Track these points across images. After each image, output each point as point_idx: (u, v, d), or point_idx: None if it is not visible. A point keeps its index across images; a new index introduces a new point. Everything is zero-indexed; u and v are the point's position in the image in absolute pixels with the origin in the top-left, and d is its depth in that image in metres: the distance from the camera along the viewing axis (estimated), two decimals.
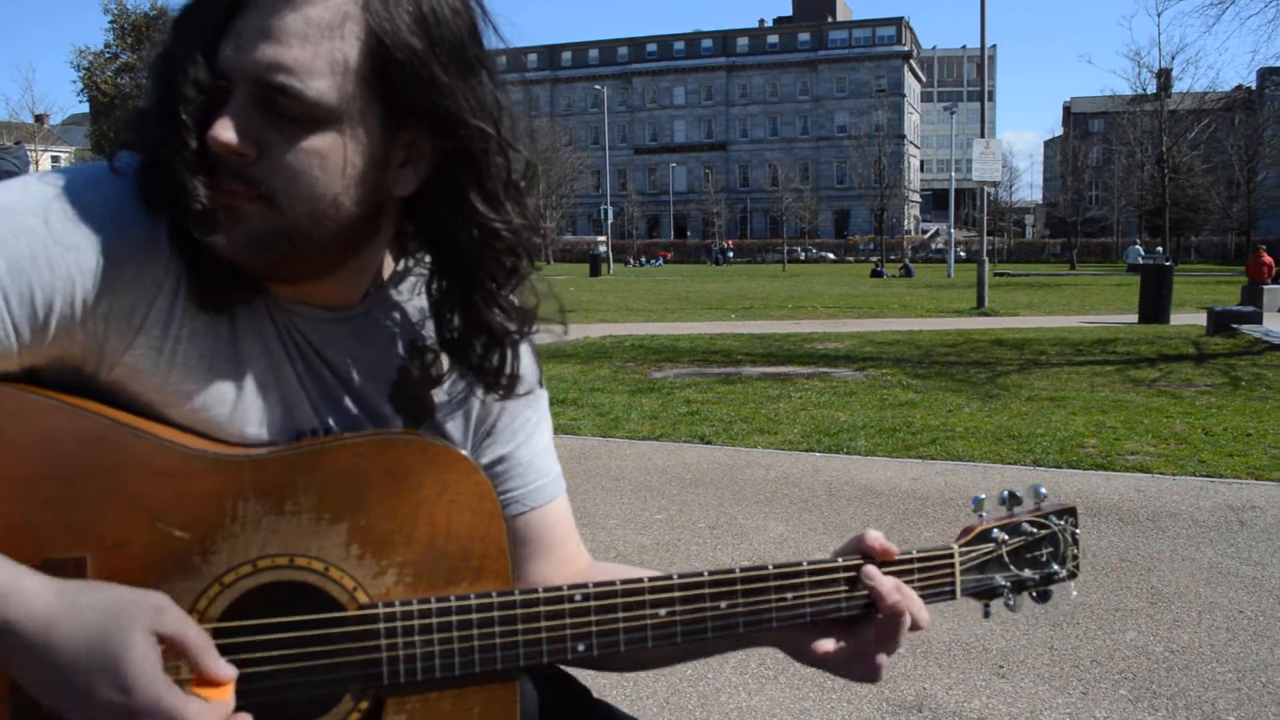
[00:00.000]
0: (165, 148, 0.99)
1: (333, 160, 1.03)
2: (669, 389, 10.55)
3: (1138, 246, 55.47)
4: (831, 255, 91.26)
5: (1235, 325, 15.91)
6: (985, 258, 24.77)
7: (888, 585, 1.19)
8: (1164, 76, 48.80)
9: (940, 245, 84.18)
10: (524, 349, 1.25)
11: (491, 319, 1.16)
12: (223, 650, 0.99)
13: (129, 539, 0.99)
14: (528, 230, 1.15)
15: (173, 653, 0.93)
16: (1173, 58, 48.23)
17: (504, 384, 1.21)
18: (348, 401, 1.19)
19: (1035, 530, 1.32)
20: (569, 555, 1.35)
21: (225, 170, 1.00)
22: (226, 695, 0.95)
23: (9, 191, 1.01)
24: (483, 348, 1.18)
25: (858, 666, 1.21)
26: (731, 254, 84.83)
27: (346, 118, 1.02)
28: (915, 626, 1.22)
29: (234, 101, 1.00)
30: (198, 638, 0.95)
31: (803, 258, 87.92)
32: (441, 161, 1.10)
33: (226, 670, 0.96)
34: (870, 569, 1.20)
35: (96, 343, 1.03)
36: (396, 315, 1.23)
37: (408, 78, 1.03)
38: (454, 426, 1.26)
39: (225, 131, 0.98)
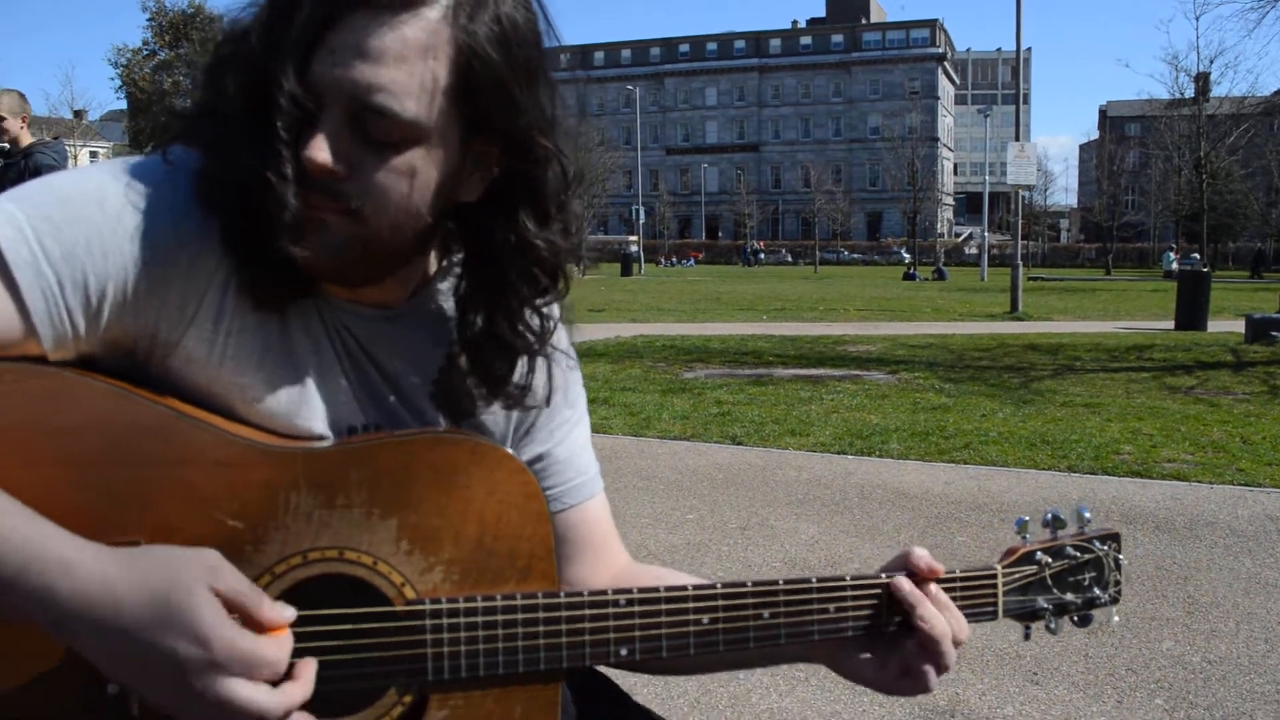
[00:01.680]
0: (244, 156, 0.99)
1: (420, 177, 1.04)
2: (700, 389, 10.54)
3: (1171, 253, 54.93)
4: (859, 256, 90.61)
5: (1274, 333, 15.68)
6: (1019, 262, 24.58)
7: (918, 596, 1.18)
8: (1202, 80, 48.28)
9: (973, 249, 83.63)
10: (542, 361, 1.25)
11: (511, 329, 1.17)
12: None
13: (183, 526, 1.00)
14: (567, 252, 1.16)
15: (229, 608, 0.94)
16: (1211, 61, 47.84)
17: (510, 394, 1.21)
18: (392, 398, 1.20)
19: (1079, 554, 1.31)
20: (608, 554, 1.36)
21: (312, 185, 1.01)
22: (285, 633, 0.96)
23: (66, 180, 1.03)
24: (496, 353, 1.18)
25: (905, 682, 1.20)
26: (763, 255, 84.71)
27: (434, 135, 1.03)
28: (955, 641, 1.22)
29: (327, 119, 1.00)
30: (250, 591, 0.96)
31: (838, 258, 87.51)
32: (502, 171, 1.11)
33: (285, 613, 0.97)
34: (900, 580, 1.19)
35: (148, 332, 1.04)
36: (440, 312, 1.23)
37: (490, 94, 1.04)
38: (495, 424, 1.27)
39: (321, 152, 0.99)
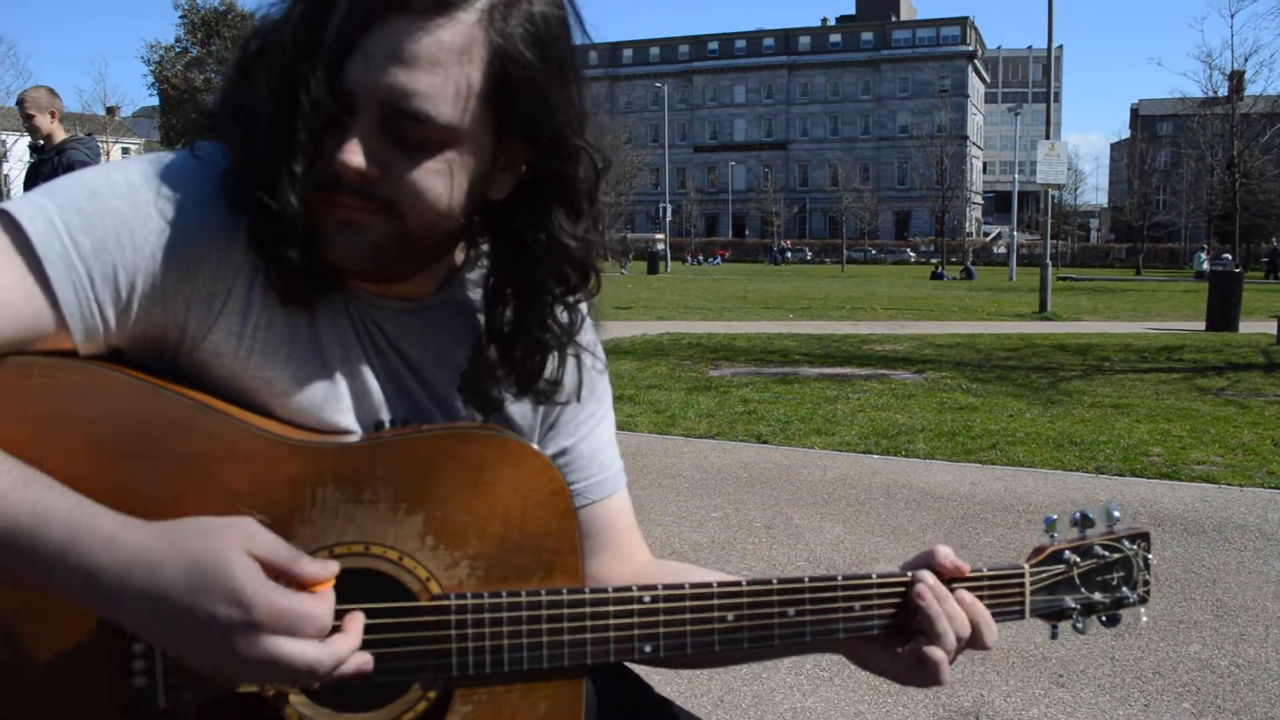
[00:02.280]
0: (272, 156, 1.00)
1: (453, 178, 1.05)
2: (726, 388, 10.53)
3: (1202, 253, 54.40)
4: (912, 255, 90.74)
5: None
6: (1048, 261, 24.42)
7: (935, 607, 1.18)
8: (1236, 79, 47.77)
9: (1002, 248, 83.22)
10: (571, 356, 1.25)
11: (540, 324, 1.18)
12: None
13: None
14: (598, 248, 1.17)
15: (268, 571, 0.94)
16: (1246, 60, 47.31)
17: (541, 389, 1.22)
18: (419, 392, 1.20)
19: (1107, 554, 1.30)
20: (629, 551, 1.36)
21: (347, 187, 1.01)
22: (328, 586, 0.97)
23: (96, 174, 1.04)
24: (526, 348, 1.19)
25: (918, 673, 1.19)
26: (790, 254, 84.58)
27: (467, 137, 1.04)
28: (981, 645, 1.21)
29: (361, 123, 1.00)
30: (286, 550, 0.96)
31: (865, 257, 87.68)
32: (532, 167, 1.12)
33: (323, 569, 0.97)
34: (921, 588, 1.18)
35: (178, 326, 1.05)
36: (467, 305, 1.24)
37: (524, 96, 1.05)
38: (522, 419, 1.27)
39: (355, 156, 1.00)
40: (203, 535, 0.94)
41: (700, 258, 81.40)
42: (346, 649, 0.96)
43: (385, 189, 1.03)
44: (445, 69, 0.99)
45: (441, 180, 1.04)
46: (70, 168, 5.62)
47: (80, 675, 0.99)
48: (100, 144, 7.43)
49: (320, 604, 0.95)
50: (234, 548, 0.93)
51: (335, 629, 0.96)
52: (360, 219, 1.03)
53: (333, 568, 0.97)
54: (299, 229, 1.02)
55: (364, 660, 0.99)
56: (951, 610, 1.18)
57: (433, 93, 0.99)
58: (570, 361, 1.24)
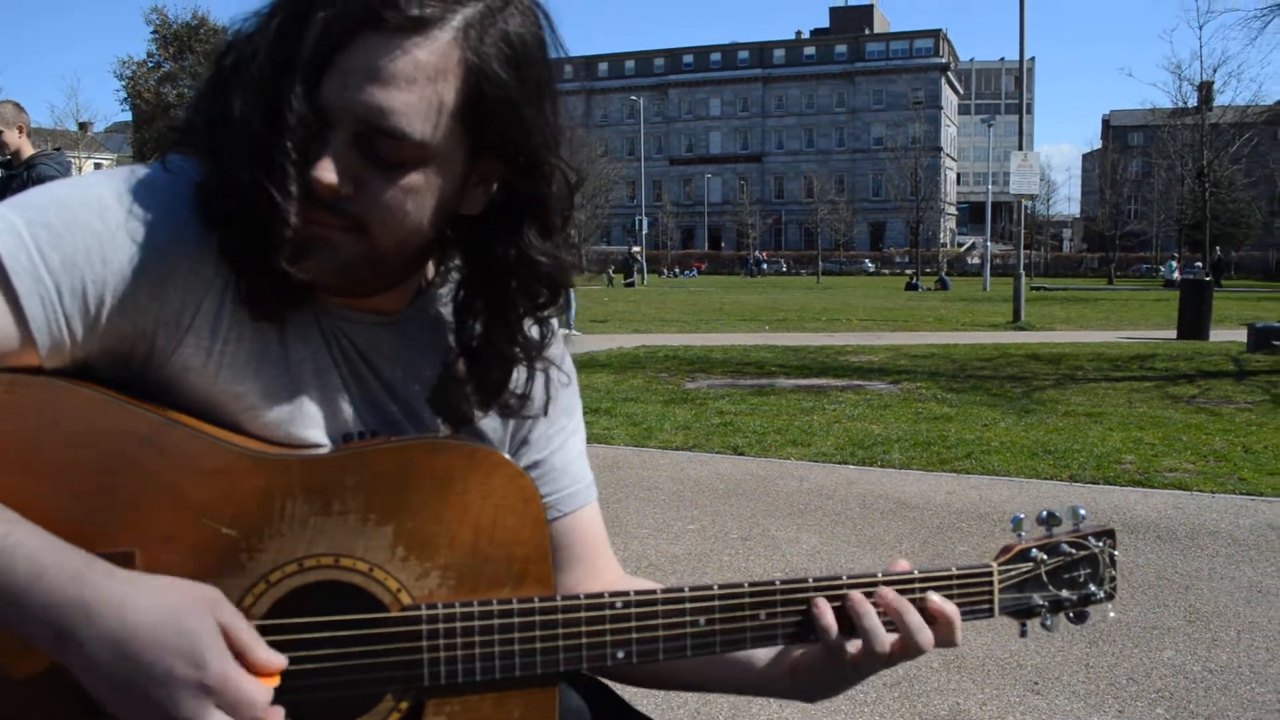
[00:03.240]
0: (246, 171, 1.00)
1: (425, 194, 1.06)
2: (702, 400, 10.54)
3: (1172, 262, 54.92)
4: (870, 265, 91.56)
5: (1277, 342, 15.67)
6: (1022, 271, 24.56)
7: (867, 615, 1.19)
8: (1205, 89, 48.24)
9: (976, 259, 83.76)
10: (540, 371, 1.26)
11: (509, 339, 1.18)
12: None
13: (177, 535, 1.01)
14: (567, 267, 1.17)
15: (226, 641, 0.95)
16: (1214, 70, 47.39)
17: (509, 403, 1.22)
18: (391, 405, 1.20)
19: (1074, 551, 1.32)
20: (600, 565, 1.36)
21: (318, 202, 1.02)
22: (274, 681, 0.97)
23: (66, 188, 1.04)
24: (494, 362, 1.19)
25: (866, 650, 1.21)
26: (766, 266, 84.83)
27: (440, 154, 1.05)
28: (950, 643, 1.22)
29: (335, 140, 1.01)
30: (248, 630, 0.97)
31: (840, 268, 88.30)
32: (505, 185, 1.13)
33: (276, 660, 0.97)
34: (856, 597, 1.19)
35: (146, 340, 1.05)
36: (438, 318, 1.24)
37: (498, 115, 1.06)
38: (493, 431, 1.27)
39: (329, 173, 1.00)
40: (176, 589, 0.94)
41: (676, 270, 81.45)
42: None
43: (357, 206, 1.03)
44: (420, 87, 1.00)
45: (413, 198, 1.05)
46: (39, 183, 5.56)
47: (46, 691, 0.98)
48: (73, 159, 7.39)
49: (263, 693, 0.95)
50: (206, 611, 0.94)
51: None
52: (331, 236, 1.04)
53: (281, 661, 0.97)
54: (303, 246, 1.02)
55: None
56: (914, 622, 1.21)
57: (407, 110, 0.99)
58: (539, 376, 1.25)
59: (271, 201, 0.99)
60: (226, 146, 1.02)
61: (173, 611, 0.92)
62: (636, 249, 58.53)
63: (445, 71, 1.01)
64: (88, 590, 0.91)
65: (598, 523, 1.38)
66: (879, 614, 1.19)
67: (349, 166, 1.01)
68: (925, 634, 1.20)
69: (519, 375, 1.22)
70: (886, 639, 1.19)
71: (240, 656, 0.95)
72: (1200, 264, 48.27)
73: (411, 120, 1.00)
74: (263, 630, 1.02)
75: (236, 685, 0.92)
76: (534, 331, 1.22)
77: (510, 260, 1.13)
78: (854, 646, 1.20)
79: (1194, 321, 18.86)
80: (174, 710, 0.90)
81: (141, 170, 1.07)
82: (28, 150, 6.21)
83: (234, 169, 1.01)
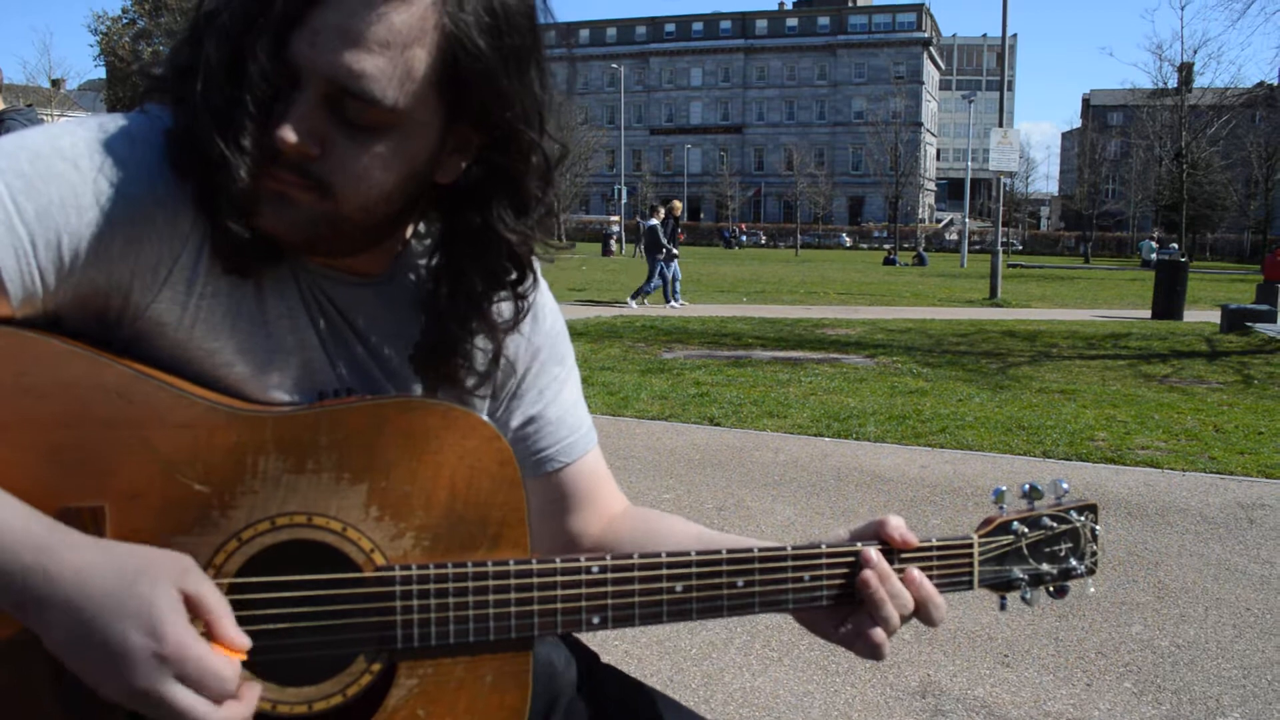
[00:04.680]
0: (212, 123, 0.97)
1: (395, 161, 1.03)
2: (679, 370, 10.54)
3: (1152, 242, 55.30)
4: (847, 240, 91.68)
5: (1249, 323, 15.82)
6: (1000, 248, 24.66)
7: (879, 593, 1.18)
8: (1185, 71, 48.43)
9: (954, 235, 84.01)
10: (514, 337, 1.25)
11: (465, 314, 1.16)
12: (238, 606, 0.99)
13: (148, 490, 0.98)
14: (539, 246, 1.16)
15: (193, 613, 0.93)
16: (1195, 52, 47.88)
17: (459, 376, 1.20)
18: (370, 364, 1.19)
19: (1055, 525, 1.31)
20: (605, 503, 1.38)
21: (284, 162, 0.99)
22: (240, 657, 0.95)
23: (40, 136, 1.01)
24: (445, 334, 1.17)
25: (861, 644, 1.19)
26: (745, 238, 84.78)
27: (413, 121, 1.02)
28: (930, 623, 1.22)
29: (303, 100, 0.98)
30: (219, 602, 0.95)
31: (818, 242, 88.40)
32: (481, 158, 1.10)
33: (242, 639, 0.95)
34: (867, 574, 1.18)
35: (121, 293, 1.03)
36: (416, 279, 1.22)
37: (475, 84, 1.03)
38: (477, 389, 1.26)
39: (290, 133, 0.97)
40: (139, 557, 0.92)
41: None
42: (238, 716, 0.94)
43: (322, 169, 1.01)
44: (394, 52, 0.97)
45: (381, 164, 1.02)
46: None
47: (20, 667, 0.96)
48: (45, 116, 7.28)
49: (229, 666, 0.93)
50: (166, 577, 0.92)
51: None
52: (291, 194, 1.01)
53: (247, 642, 0.95)
54: (246, 201, 0.99)
55: None
56: (895, 590, 1.19)
57: (379, 75, 0.97)
58: (511, 342, 1.24)
59: (223, 158, 0.96)
60: (195, 96, 0.99)
61: (130, 579, 0.90)
62: (615, 223, 58.41)
63: (421, 37, 0.98)
64: (47, 558, 0.89)
65: (600, 465, 1.39)
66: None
67: (315, 127, 0.99)
68: (905, 600, 1.19)
69: (480, 355, 1.20)
70: (894, 614, 1.18)
71: (208, 628, 0.93)
72: (1175, 245, 48.54)
73: (383, 85, 0.97)
74: (233, 589, 1.00)
75: (197, 657, 0.90)
76: (506, 308, 1.20)
77: (482, 235, 1.12)
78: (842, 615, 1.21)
79: (1168, 302, 19.02)
80: (131, 680, 0.88)
81: (118, 119, 1.04)
82: None
83: (203, 120, 0.98)
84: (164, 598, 0.90)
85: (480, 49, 1.01)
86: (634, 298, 19.73)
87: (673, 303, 19.52)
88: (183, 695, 0.89)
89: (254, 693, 0.97)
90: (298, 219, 1.02)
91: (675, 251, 19.62)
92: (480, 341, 1.20)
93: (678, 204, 20.78)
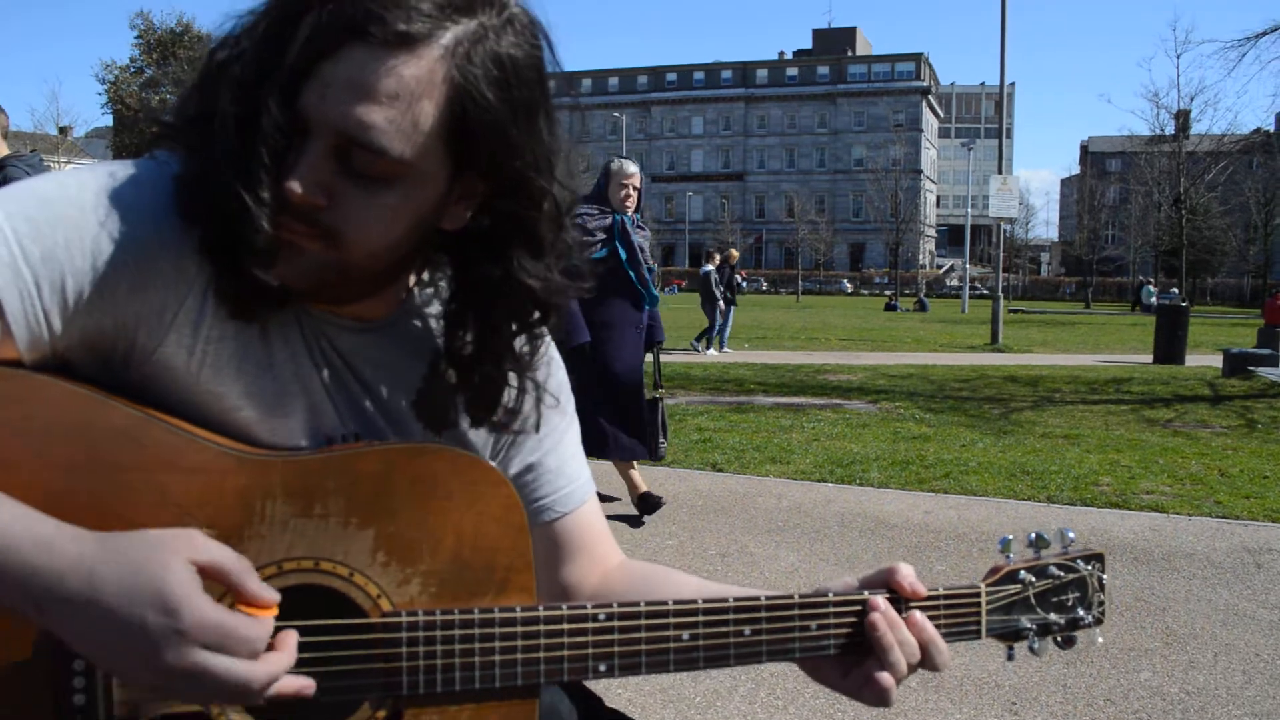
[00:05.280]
0: (223, 173, 0.97)
1: (402, 210, 1.04)
2: (681, 416, 10.52)
3: (1150, 287, 55.38)
4: (849, 285, 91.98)
5: (1251, 368, 15.81)
6: (1001, 294, 24.71)
7: (888, 637, 1.17)
8: (1183, 118, 48.69)
9: (955, 280, 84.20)
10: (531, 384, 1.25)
11: (499, 355, 1.17)
12: None
13: None
14: (560, 289, 1.16)
15: (213, 580, 0.93)
16: (1191, 99, 47.80)
17: (498, 419, 1.21)
18: (372, 409, 1.19)
19: (1062, 574, 1.30)
20: (601, 556, 1.36)
21: (293, 212, 1.00)
22: (270, 614, 0.95)
23: (48, 181, 1.02)
24: (483, 376, 1.17)
25: (868, 691, 1.18)
26: (745, 285, 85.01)
27: (420, 171, 1.03)
28: (933, 667, 1.21)
29: (311, 151, 0.99)
30: (235, 561, 0.94)
31: (819, 288, 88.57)
32: (492, 207, 1.11)
33: (268, 593, 0.95)
34: (876, 617, 1.17)
35: (127, 337, 1.03)
36: (421, 325, 1.23)
37: (484, 135, 1.04)
38: (477, 436, 1.26)
39: (303, 183, 0.98)
40: (144, 543, 0.92)
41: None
42: (280, 667, 0.94)
43: (330, 218, 1.01)
44: (403, 104, 0.98)
45: (389, 213, 1.03)
46: (6, 185, 5.49)
47: (17, 692, 0.95)
48: (53, 164, 7.33)
49: (255, 625, 0.93)
50: (174, 554, 0.91)
51: (269, 648, 0.94)
52: (301, 243, 1.02)
53: (275, 596, 0.95)
54: (270, 250, 1.00)
55: (304, 683, 0.97)
56: (904, 638, 1.18)
57: (388, 127, 0.98)
58: (530, 391, 1.23)
59: (244, 207, 0.97)
60: (206, 144, 1.00)
61: (140, 564, 0.90)
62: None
63: (430, 90, 0.99)
64: (56, 556, 0.89)
65: (597, 517, 1.38)
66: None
67: (323, 178, 0.99)
68: (913, 647, 1.18)
69: (509, 390, 1.20)
70: (901, 659, 1.17)
71: (232, 591, 0.93)
72: (1176, 290, 48.61)
73: (392, 137, 0.98)
74: None
75: (220, 621, 0.90)
76: (524, 346, 1.20)
77: (497, 280, 1.12)
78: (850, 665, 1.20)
79: (1170, 346, 19.00)
80: (160, 661, 0.88)
81: (127, 165, 1.05)
82: (2, 151, 6.15)
83: (211, 169, 0.99)
84: (175, 574, 0.90)
85: (489, 101, 1.02)
86: (697, 341, 19.99)
87: (714, 350, 19.69)
88: (216, 661, 0.89)
89: (292, 641, 0.97)
90: (307, 267, 1.03)
91: (732, 298, 19.80)
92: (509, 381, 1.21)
93: (734, 252, 21.36)
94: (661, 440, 6.30)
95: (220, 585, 0.93)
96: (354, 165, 1.00)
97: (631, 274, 5.91)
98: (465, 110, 1.01)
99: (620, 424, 5.96)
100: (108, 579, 0.89)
